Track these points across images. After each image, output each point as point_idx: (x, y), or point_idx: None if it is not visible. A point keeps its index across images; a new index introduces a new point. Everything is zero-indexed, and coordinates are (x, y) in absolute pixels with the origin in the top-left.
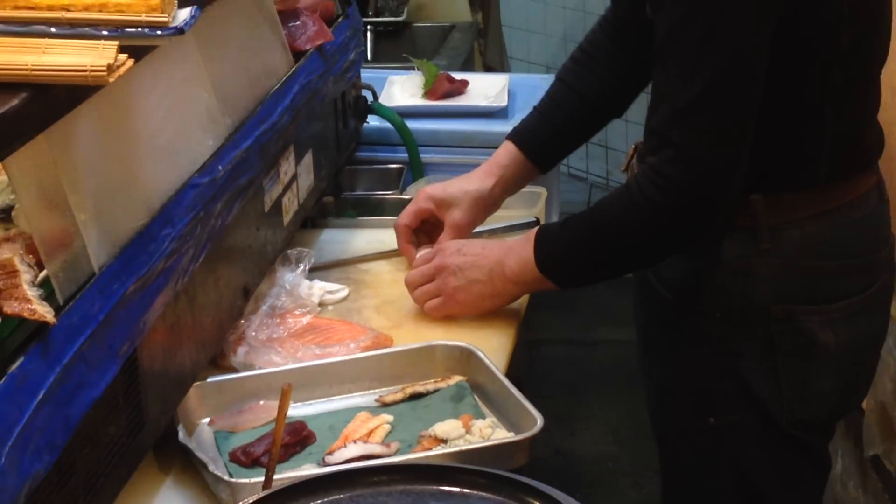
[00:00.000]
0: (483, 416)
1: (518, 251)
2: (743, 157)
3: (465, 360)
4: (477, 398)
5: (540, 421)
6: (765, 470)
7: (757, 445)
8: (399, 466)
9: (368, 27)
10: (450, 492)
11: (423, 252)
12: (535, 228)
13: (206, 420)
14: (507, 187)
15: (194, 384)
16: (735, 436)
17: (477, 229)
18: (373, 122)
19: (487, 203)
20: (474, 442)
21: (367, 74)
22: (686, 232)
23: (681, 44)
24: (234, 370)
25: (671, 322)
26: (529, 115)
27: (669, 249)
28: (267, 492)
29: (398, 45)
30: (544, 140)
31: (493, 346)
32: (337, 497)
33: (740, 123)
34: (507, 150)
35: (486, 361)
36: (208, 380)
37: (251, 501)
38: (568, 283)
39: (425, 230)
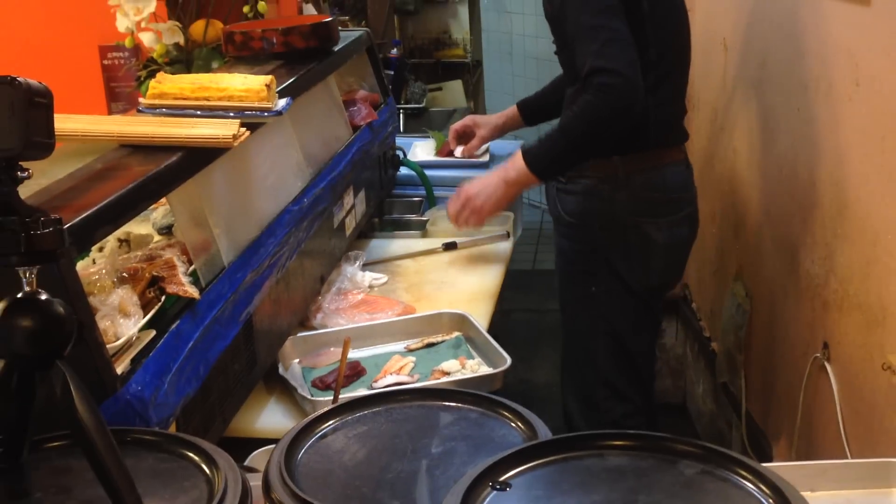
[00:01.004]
0: (473, 358)
1: (513, 165)
2: (639, 74)
3: (461, 321)
4: (469, 346)
5: (509, 360)
6: (623, 319)
7: (619, 304)
8: (416, 389)
9: (401, 111)
10: (450, 406)
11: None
12: (518, 148)
13: (297, 360)
14: (508, 126)
15: (289, 337)
16: (607, 298)
17: (468, 239)
18: (403, 171)
19: (498, 130)
20: (467, 374)
21: (399, 140)
22: (616, 120)
23: (580, 33)
24: (314, 328)
25: (569, 234)
26: (534, 94)
27: (609, 131)
28: (334, 405)
29: (420, 122)
30: (533, 110)
31: (480, 312)
32: (377, 409)
33: (630, 52)
34: (513, 109)
35: (475, 322)
36: (298, 334)
37: (325, 410)
38: (549, 172)
39: (464, 140)
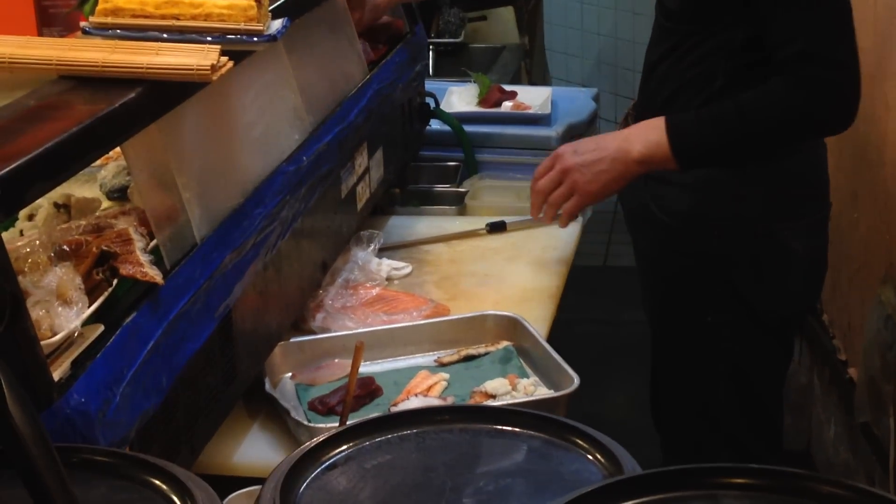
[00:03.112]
0: (527, 376)
1: (643, 137)
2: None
3: (512, 327)
4: (522, 361)
5: (576, 380)
6: (751, 357)
7: (745, 338)
8: (460, 408)
9: (430, 47)
10: (502, 430)
11: (542, 164)
12: (665, 117)
13: (289, 374)
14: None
15: (279, 343)
16: (729, 331)
17: (521, 219)
18: (434, 125)
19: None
20: (519, 397)
21: (429, 85)
22: (828, 127)
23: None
24: (313, 332)
25: (669, 241)
26: None
27: (811, 136)
28: (349, 424)
29: (456, 62)
30: None
31: (536, 317)
32: (406, 433)
33: (852, 33)
34: None
35: (531, 329)
36: (291, 340)
37: (334, 433)
38: (695, 164)
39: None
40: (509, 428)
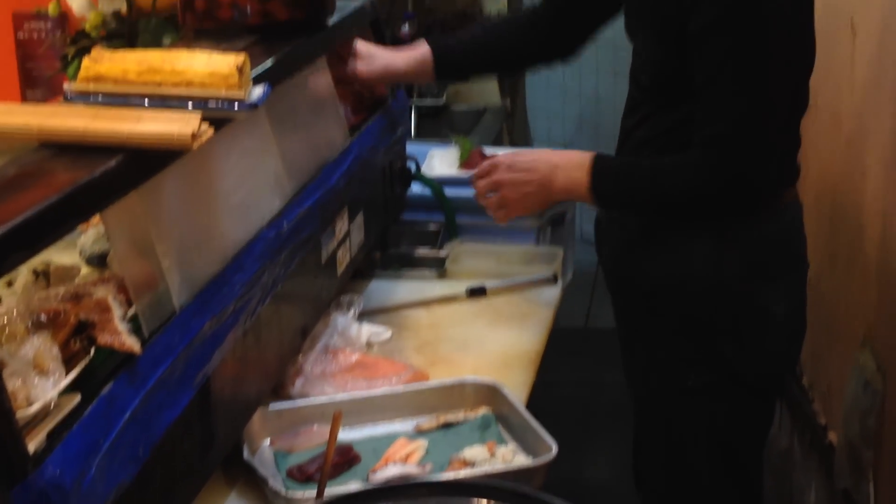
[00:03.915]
0: (506, 443)
1: (569, 172)
2: (775, 159)
3: (491, 394)
4: (501, 427)
5: (555, 448)
6: (732, 420)
7: (727, 402)
8: (435, 483)
9: (412, 108)
10: None
11: (481, 166)
12: (592, 156)
13: (268, 441)
14: (410, 75)
15: (258, 409)
16: (709, 394)
17: (501, 283)
18: (415, 188)
19: (391, 75)
20: (498, 465)
21: (410, 148)
22: (734, 195)
23: (730, 75)
24: (292, 399)
25: (648, 304)
26: (456, 40)
27: (708, 210)
28: (324, 498)
29: (438, 124)
30: (454, 61)
31: (516, 382)
32: None
33: (775, 133)
34: (424, 53)
35: (510, 396)
36: (270, 406)
37: None
38: (608, 207)
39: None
40: (485, 501)
